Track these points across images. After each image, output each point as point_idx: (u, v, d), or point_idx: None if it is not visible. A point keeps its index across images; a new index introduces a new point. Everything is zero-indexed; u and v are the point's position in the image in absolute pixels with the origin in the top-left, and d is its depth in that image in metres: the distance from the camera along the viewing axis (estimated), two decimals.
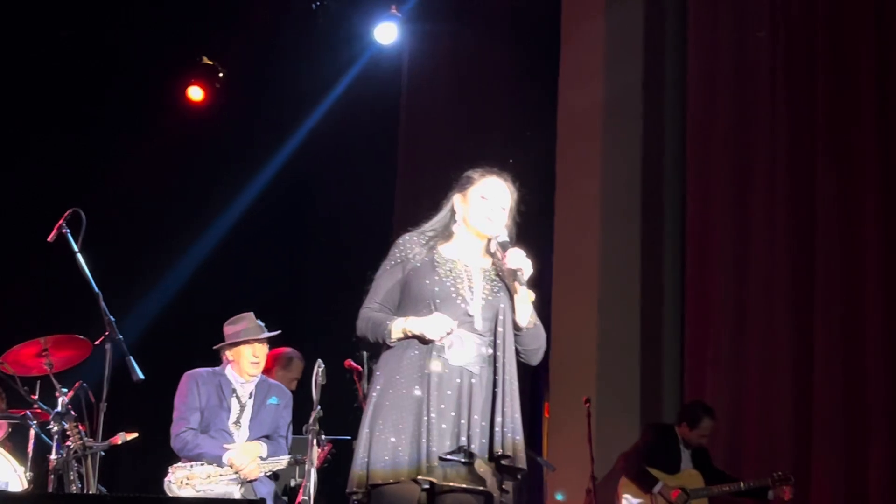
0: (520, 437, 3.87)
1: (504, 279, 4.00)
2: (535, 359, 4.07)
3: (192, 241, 10.22)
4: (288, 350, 6.92)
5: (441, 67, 10.33)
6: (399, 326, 3.91)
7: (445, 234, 4.07)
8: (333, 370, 5.06)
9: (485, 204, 4.03)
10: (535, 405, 9.39)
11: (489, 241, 4.06)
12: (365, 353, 5.40)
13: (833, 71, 7.57)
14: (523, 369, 3.99)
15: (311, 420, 4.90)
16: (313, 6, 10.25)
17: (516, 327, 3.98)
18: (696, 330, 8.19)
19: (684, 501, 7.23)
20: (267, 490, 5.73)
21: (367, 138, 10.27)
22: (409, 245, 4.03)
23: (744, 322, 7.88)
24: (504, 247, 3.98)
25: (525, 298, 3.96)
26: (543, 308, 9.11)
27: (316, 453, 4.93)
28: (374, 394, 3.90)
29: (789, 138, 7.78)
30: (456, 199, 4.10)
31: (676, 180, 8.81)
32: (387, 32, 10.04)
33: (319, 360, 4.82)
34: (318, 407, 4.86)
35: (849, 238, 7.37)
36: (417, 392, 3.82)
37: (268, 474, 5.72)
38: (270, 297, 9.59)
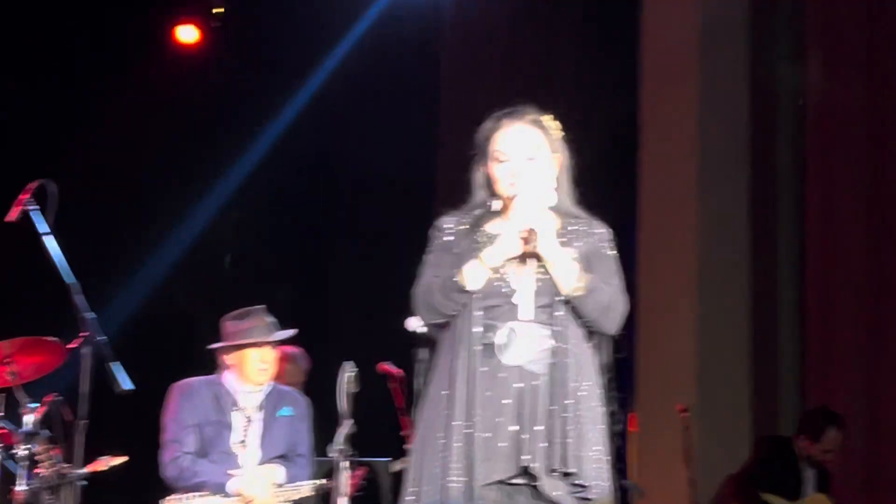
0: (588, 453, 3.82)
1: None
2: (608, 325, 3.98)
3: (185, 218, 10.28)
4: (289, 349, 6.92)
5: None
6: (472, 267, 3.87)
7: (489, 210, 4.02)
8: (365, 376, 5.09)
9: (505, 166, 3.96)
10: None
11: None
12: (419, 352, 5.32)
13: None
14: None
15: (339, 438, 4.91)
16: None
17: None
18: (819, 321, 8.16)
19: None
20: None
21: (400, 84, 10.26)
22: (446, 227, 4.01)
23: (879, 313, 7.83)
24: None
25: (554, 263, 3.89)
26: (629, 295, 9.15)
27: (346, 479, 4.94)
28: (423, 412, 3.93)
29: None
30: (482, 166, 4.05)
31: (792, 130, 8.76)
32: None
33: (348, 364, 4.82)
34: (348, 422, 4.87)
35: None
36: (464, 406, 3.80)
37: None
38: (282, 286, 9.65)
